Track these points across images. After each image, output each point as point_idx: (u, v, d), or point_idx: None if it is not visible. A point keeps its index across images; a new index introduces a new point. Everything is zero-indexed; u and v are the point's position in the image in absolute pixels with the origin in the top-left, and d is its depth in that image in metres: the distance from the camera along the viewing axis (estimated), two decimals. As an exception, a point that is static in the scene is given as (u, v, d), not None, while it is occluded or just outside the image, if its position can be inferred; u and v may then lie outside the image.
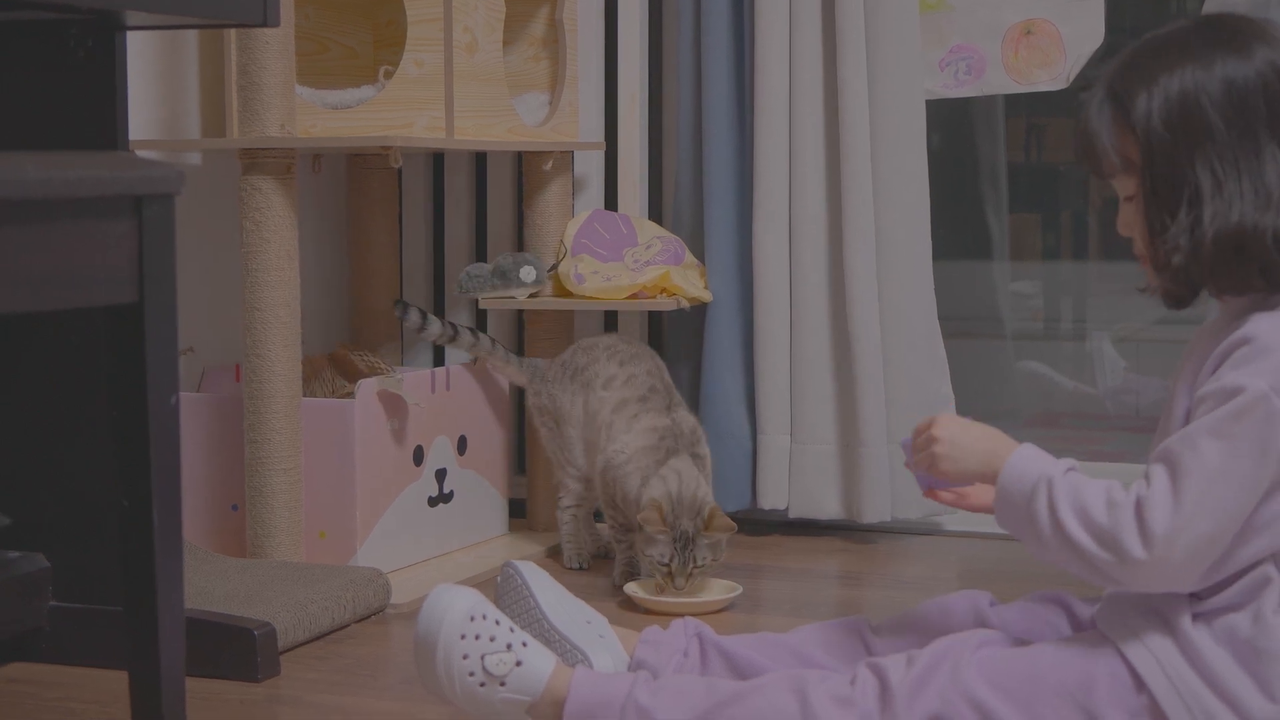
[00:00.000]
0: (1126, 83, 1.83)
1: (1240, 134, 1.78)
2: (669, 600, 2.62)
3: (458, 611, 1.89)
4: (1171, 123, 1.80)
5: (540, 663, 1.89)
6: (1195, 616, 1.79)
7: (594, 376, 2.84)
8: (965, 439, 1.90)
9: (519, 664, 1.88)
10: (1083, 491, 1.78)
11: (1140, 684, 1.78)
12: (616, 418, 2.76)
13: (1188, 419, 1.81)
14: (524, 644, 1.89)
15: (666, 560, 2.61)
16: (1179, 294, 1.85)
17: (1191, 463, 1.73)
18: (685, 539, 2.59)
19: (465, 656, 1.87)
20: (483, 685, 1.87)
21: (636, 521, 2.64)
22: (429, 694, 1.92)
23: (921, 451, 1.94)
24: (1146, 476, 1.77)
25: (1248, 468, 1.73)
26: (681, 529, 2.59)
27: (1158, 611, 1.81)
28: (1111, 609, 1.86)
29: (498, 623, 1.90)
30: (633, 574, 2.77)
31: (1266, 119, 1.79)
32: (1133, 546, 1.73)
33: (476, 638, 1.88)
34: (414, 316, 3.06)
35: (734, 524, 2.65)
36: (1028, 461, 1.84)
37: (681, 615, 2.56)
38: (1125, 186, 1.86)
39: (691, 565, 2.61)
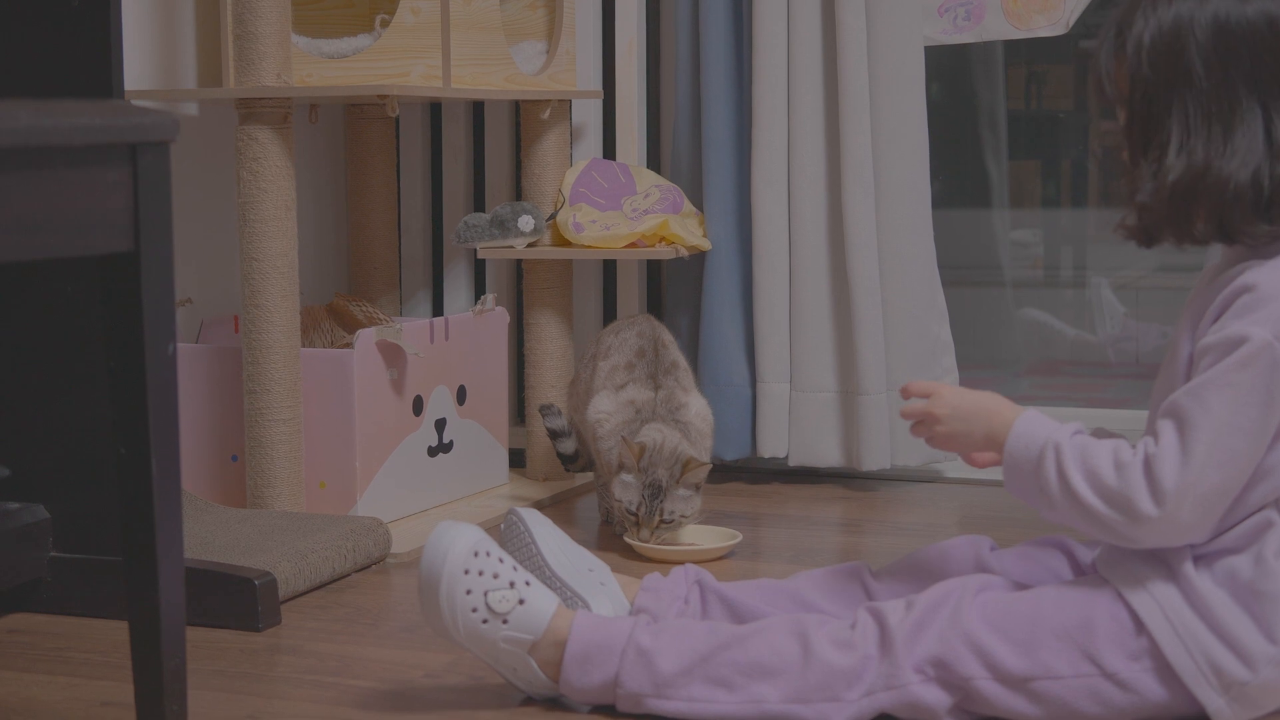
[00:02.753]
0: (1130, 14, 1.84)
1: (1218, 85, 1.79)
2: (668, 548, 2.62)
3: (461, 547, 1.89)
4: (1156, 61, 1.81)
5: (543, 603, 1.89)
6: (1196, 559, 1.80)
7: (601, 354, 2.82)
8: (965, 412, 1.90)
9: (522, 602, 1.88)
10: (1091, 454, 1.79)
11: (1140, 626, 1.78)
12: (608, 381, 2.75)
13: (1190, 366, 1.81)
14: (527, 583, 1.89)
15: (634, 508, 2.60)
16: (1142, 230, 1.85)
17: (1199, 416, 1.74)
18: (656, 488, 2.59)
19: (469, 592, 1.87)
20: (485, 622, 1.87)
21: (616, 466, 2.64)
22: (433, 633, 1.92)
23: (920, 426, 1.94)
24: (1154, 432, 1.77)
25: (1254, 417, 1.74)
26: (654, 477, 2.58)
27: (1158, 555, 1.81)
28: (1112, 552, 1.86)
29: (501, 560, 1.90)
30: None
31: (1249, 72, 1.79)
32: (1144, 505, 1.74)
33: (480, 574, 1.88)
34: (555, 421, 3.01)
35: (707, 463, 2.64)
36: (1033, 426, 1.84)
37: (681, 563, 2.57)
38: (1120, 116, 1.87)
39: (658, 517, 2.60)
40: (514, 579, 1.89)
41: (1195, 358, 1.80)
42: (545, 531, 2.12)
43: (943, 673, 1.81)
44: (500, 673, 1.93)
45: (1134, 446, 1.79)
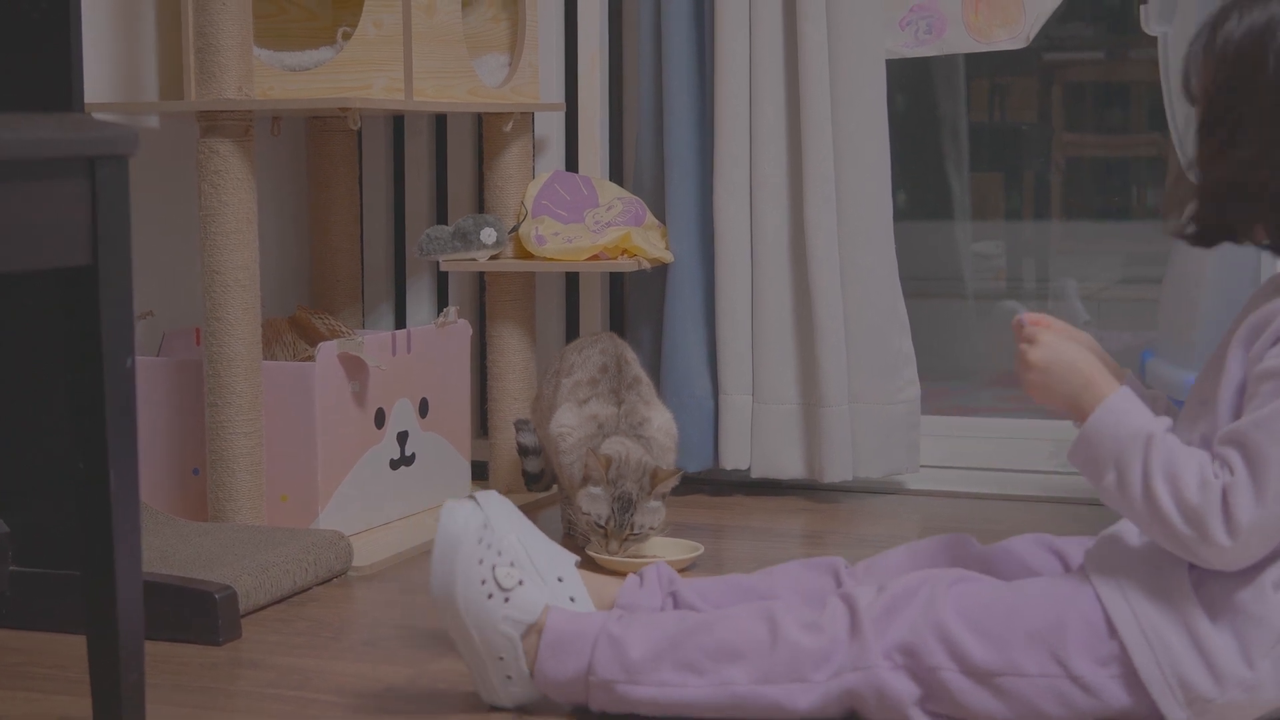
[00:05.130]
0: (1225, 13, 1.81)
1: None
2: (631, 560, 2.62)
3: (478, 520, 1.90)
4: (1241, 64, 1.77)
5: (536, 590, 1.90)
6: (1190, 569, 1.79)
7: (564, 370, 2.82)
8: (1057, 369, 1.87)
9: (521, 583, 1.89)
10: (1178, 460, 1.76)
11: (1113, 631, 1.79)
12: (571, 396, 2.75)
13: (1242, 391, 1.79)
14: (523, 567, 1.91)
15: (604, 521, 2.61)
16: (1204, 233, 1.83)
17: (1270, 450, 1.71)
18: (626, 500, 2.59)
19: (480, 561, 1.88)
20: (490, 597, 1.88)
21: (580, 479, 2.63)
22: (435, 604, 1.91)
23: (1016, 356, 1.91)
24: (1224, 461, 1.74)
25: None
26: (624, 489, 2.59)
27: (1154, 561, 1.80)
28: (1105, 549, 1.86)
29: (504, 538, 1.91)
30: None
31: None
32: (1218, 533, 1.72)
33: (489, 546, 1.89)
34: (528, 438, 3.02)
35: (678, 471, 2.64)
36: (1128, 406, 1.81)
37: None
38: (1196, 114, 1.84)
39: (628, 530, 2.61)
40: (515, 558, 1.90)
41: (1252, 381, 1.77)
42: (509, 524, 2.03)
43: (911, 661, 1.82)
44: (483, 666, 1.91)
45: (1214, 465, 1.76)
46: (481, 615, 1.89)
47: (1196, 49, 1.83)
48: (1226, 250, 1.90)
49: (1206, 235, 1.85)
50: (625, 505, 2.58)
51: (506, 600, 1.88)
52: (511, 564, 1.90)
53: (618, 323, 3.32)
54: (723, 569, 2.66)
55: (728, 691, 1.84)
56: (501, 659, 1.90)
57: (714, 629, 1.86)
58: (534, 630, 1.89)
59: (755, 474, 3.17)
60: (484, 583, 1.88)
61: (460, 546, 1.89)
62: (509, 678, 1.91)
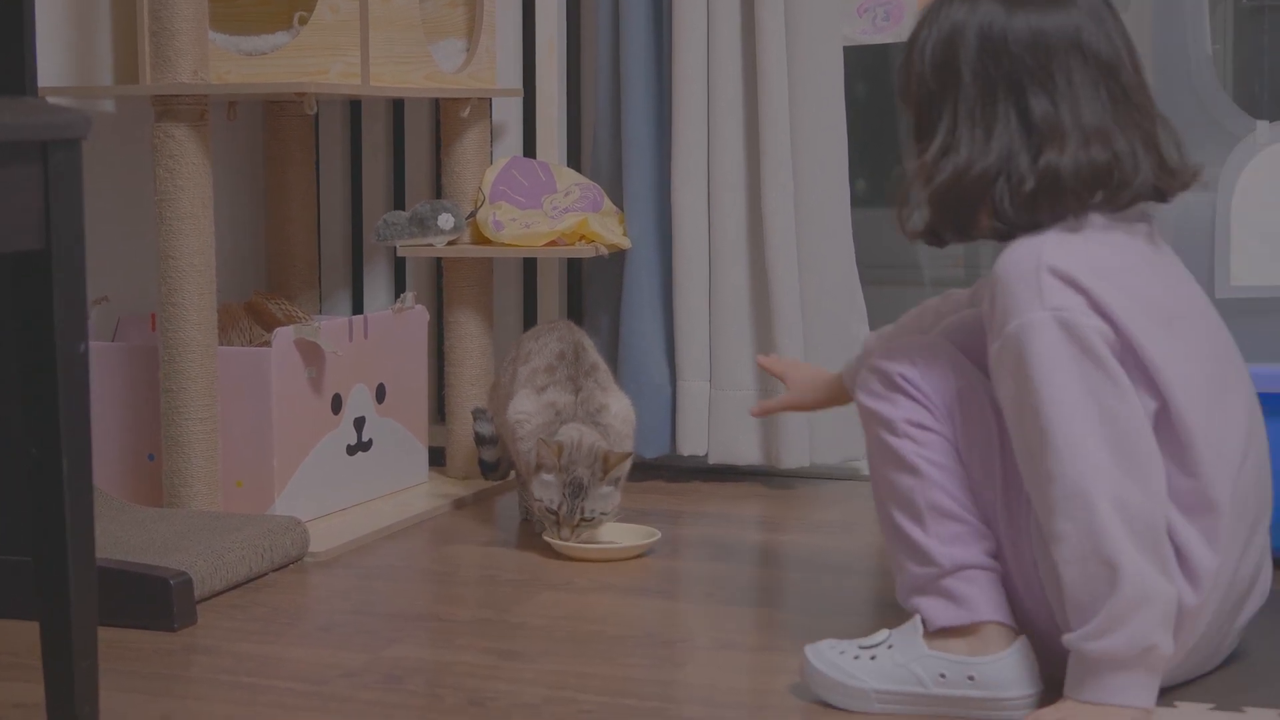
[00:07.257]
0: (920, 24, 1.96)
1: (981, 88, 1.89)
2: (586, 546, 2.62)
3: (816, 646, 1.94)
4: (933, 66, 1.92)
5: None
6: None
7: (521, 358, 2.81)
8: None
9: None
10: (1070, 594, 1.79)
11: None
12: (529, 383, 2.74)
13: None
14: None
15: (555, 507, 2.60)
16: (929, 232, 1.94)
17: (1048, 414, 1.78)
18: (577, 486, 2.59)
19: (842, 653, 1.92)
20: (874, 658, 1.90)
21: (533, 465, 2.63)
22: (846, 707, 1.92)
23: None
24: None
25: (1099, 379, 1.77)
26: (575, 475, 2.59)
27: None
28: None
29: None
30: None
31: (1010, 76, 1.88)
32: (1059, 523, 1.79)
33: (834, 644, 1.94)
34: (485, 428, 3.02)
35: (628, 453, 2.64)
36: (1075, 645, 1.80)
37: (599, 562, 2.57)
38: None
39: (579, 516, 2.61)
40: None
41: (991, 370, 1.86)
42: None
43: None
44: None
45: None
46: (884, 670, 1.89)
47: (902, 60, 1.97)
48: (1172, 237, 1.96)
49: (937, 236, 1.94)
50: (577, 490, 2.58)
51: (890, 647, 1.90)
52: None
53: (575, 309, 3.32)
54: (680, 555, 2.67)
55: None
56: (943, 675, 1.87)
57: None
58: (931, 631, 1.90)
59: (713, 460, 3.17)
60: (857, 658, 1.90)
61: (821, 657, 1.92)
62: (971, 679, 1.87)
